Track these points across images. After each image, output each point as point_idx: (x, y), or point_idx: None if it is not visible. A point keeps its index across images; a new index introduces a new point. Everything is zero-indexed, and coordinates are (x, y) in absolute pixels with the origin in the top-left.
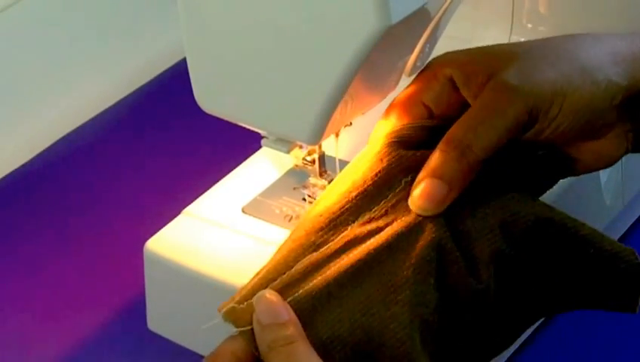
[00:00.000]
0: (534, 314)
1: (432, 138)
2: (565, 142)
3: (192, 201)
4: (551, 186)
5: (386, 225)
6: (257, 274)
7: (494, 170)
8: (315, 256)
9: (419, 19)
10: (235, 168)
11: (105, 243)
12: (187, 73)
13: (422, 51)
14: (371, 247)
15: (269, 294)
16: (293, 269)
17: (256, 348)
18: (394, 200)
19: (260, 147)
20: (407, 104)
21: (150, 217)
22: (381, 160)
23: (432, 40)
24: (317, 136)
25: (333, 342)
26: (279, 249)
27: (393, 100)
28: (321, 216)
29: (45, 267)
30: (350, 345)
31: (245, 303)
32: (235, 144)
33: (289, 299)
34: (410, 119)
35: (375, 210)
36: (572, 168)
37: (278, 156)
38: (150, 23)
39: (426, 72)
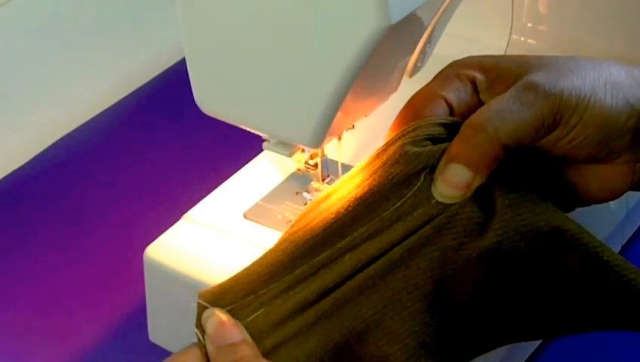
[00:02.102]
0: (537, 322)
1: (450, 137)
2: (576, 159)
3: (192, 206)
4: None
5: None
6: (250, 266)
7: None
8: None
9: (419, 18)
10: (235, 172)
11: (103, 249)
12: (187, 74)
13: (422, 51)
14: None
15: (219, 313)
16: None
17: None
18: (412, 198)
19: (261, 150)
20: (427, 98)
21: (150, 223)
22: (397, 162)
23: (433, 39)
24: (319, 139)
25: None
26: (278, 245)
27: (412, 96)
28: (331, 222)
29: (42, 275)
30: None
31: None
32: (235, 147)
33: (251, 318)
34: (430, 113)
35: (391, 210)
36: (578, 202)
37: (280, 160)
38: (150, 23)
39: (447, 71)
